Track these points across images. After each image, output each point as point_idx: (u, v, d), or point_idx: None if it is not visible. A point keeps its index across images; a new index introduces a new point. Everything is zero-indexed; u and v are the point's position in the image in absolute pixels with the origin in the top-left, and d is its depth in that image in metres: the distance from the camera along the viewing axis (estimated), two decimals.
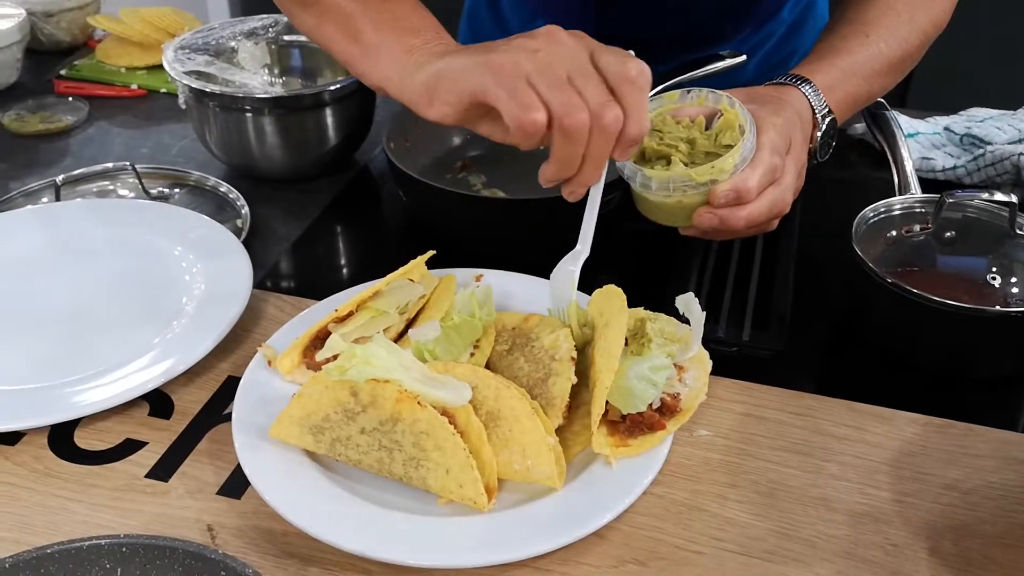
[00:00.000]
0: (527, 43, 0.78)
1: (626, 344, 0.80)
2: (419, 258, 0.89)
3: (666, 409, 0.77)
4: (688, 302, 0.82)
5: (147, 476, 0.77)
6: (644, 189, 0.88)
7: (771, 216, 0.89)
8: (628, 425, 0.76)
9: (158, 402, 0.84)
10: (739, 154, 0.84)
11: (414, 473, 0.73)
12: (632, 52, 0.86)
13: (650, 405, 0.77)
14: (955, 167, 1.16)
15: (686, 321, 0.82)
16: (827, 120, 0.96)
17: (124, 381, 0.83)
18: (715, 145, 0.88)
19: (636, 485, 0.73)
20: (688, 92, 0.92)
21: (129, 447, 0.80)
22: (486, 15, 1.47)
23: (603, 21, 1.29)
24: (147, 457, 0.79)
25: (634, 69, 0.77)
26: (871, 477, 0.77)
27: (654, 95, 0.91)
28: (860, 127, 1.26)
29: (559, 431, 0.76)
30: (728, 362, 0.86)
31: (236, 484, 0.76)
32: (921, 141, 1.23)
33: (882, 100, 1.16)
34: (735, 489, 0.76)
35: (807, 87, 0.96)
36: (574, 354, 0.80)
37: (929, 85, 2.63)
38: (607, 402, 0.77)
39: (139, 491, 0.76)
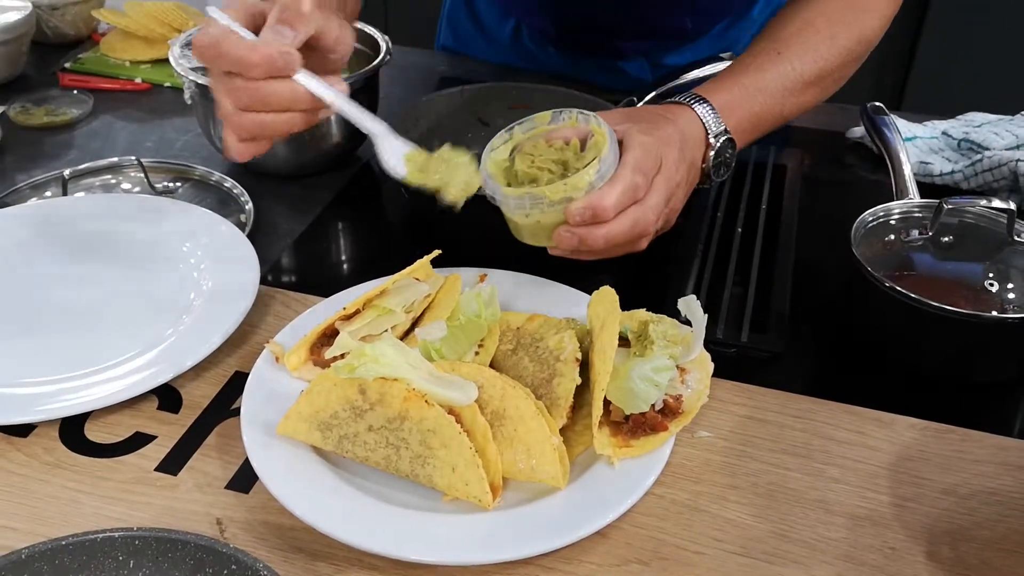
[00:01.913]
0: None
1: (629, 345, 0.81)
2: (424, 258, 0.90)
3: (668, 410, 0.78)
4: (690, 304, 0.82)
5: (156, 469, 0.78)
6: (505, 207, 0.86)
7: (633, 236, 0.85)
8: (631, 426, 0.77)
9: (167, 396, 0.85)
10: (594, 171, 0.82)
11: (420, 471, 0.73)
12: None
13: (652, 406, 0.77)
14: (952, 172, 1.17)
15: (688, 323, 0.83)
16: (721, 140, 0.95)
17: (133, 375, 0.84)
18: (586, 165, 0.85)
19: (638, 485, 0.74)
20: (560, 113, 0.90)
21: (139, 440, 0.81)
22: (463, 16, 1.48)
23: (563, 10, 1.30)
24: (156, 451, 0.80)
25: None
26: (870, 481, 0.78)
27: (524, 120, 0.90)
28: (858, 130, 1.26)
29: (563, 431, 0.77)
30: (726, 363, 0.87)
31: (244, 478, 0.77)
32: (919, 145, 1.23)
33: (880, 104, 1.17)
34: (735, 490, 0.77)
35: (702, 106, 0.95)
36: (579, 355, 0.81)
37: (925, 88, 2.65)
38: (611, 403, 0.78)
39: (149, 484, 0.77)
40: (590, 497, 0.73)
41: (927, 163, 1.19)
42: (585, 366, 0.81)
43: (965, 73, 2.60)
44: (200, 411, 0.84)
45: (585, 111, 0.88)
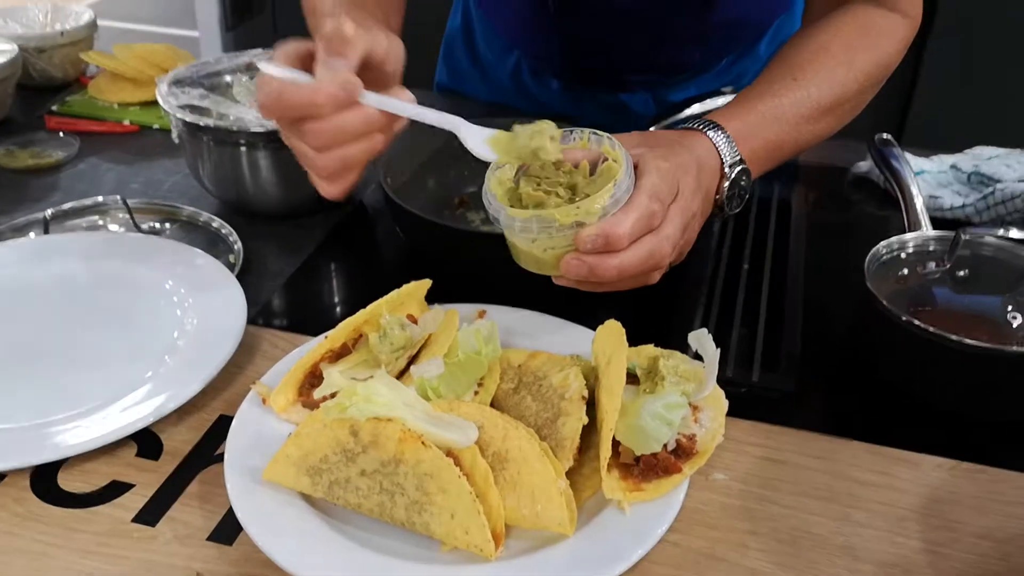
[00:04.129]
0: None
1: (639, 382, 0.78)
2: (417, 290, 0.88)
3: (682, 451, 0.75)
4: (701, 338, 0.79)
5: (134, 520, 0.74)
6: (508, 231, 0.82)
7: (647, 268, 0.80)
8: (642, 468, 0.74)
9: (146, 442, 0.81)
10: (609, 196, 0.78)
11: (417, 518, 0.70)
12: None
13: (665, 446, 0.74)
14: (963, 206, 1.16)
15: (699, 358, 0.80)
16: (736, 170, 0.91)
17: (111, 420, 0.80)
18: (598, 191, 0.80)
19: (651, 533, 0.70)
20: (571, 132, 0.85)
21: (115, 489, 0.77)
22: (461, 52, 1.47)
23: (571, 41, 1.30)
24: (134, 500, 0.76)
25: None
26: (899, 525, 0.75)
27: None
28: (865, 165, 1.26)
29: (569, 474, 0.74)
30: (739, 403, 0.83)
31: (227, 529, 0.73)
32: (927, 179, 1.23)
33: (889, 137, 1.16)
34: (755, 537, 0.73)
35: (717, 134, 0.91)
36: (585, 393, 0.77)
37: (927, 124, 2.67)
38: (620, 443, 0.74)
39: (125, 536, 0.73)
40: (600, 545, 0.69)
41: (936, 197, 1.18)
42: (591, 405, 0.78)
43: (965, 108, 2.61)
44: (181, 458, 0.80)
45: (598, 131, 0.84)
